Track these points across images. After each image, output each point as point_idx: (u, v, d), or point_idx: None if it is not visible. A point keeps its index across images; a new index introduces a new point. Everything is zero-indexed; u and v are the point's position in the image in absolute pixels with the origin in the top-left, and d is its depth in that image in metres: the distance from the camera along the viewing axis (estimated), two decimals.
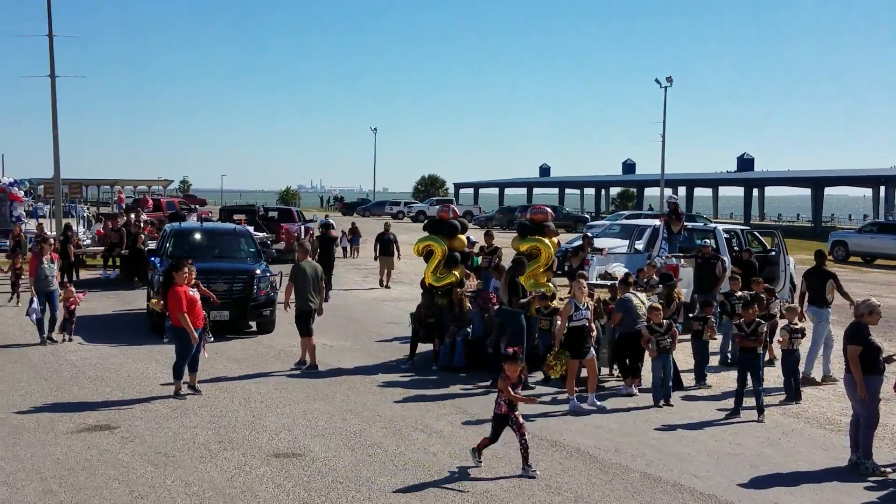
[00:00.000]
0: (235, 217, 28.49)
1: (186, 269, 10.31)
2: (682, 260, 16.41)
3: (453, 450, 8.48)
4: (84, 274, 22.54)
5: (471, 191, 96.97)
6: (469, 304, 12.59)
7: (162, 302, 10.34)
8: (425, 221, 13.51)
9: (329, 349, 13.86)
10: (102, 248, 23.09)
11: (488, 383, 11.37)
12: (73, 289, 14.43)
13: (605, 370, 11.94)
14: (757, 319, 10.50)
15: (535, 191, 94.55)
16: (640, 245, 18.66)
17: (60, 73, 28.10)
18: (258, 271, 14.94)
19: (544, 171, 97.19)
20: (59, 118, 28.53)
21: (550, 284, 12.43)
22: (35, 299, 13.47)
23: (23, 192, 35.33)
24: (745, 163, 71.96)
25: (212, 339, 11.11)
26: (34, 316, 13.40)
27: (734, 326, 11.27)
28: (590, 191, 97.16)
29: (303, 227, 31.73)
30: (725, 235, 18.04)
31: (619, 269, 15.85)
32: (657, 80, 53.19)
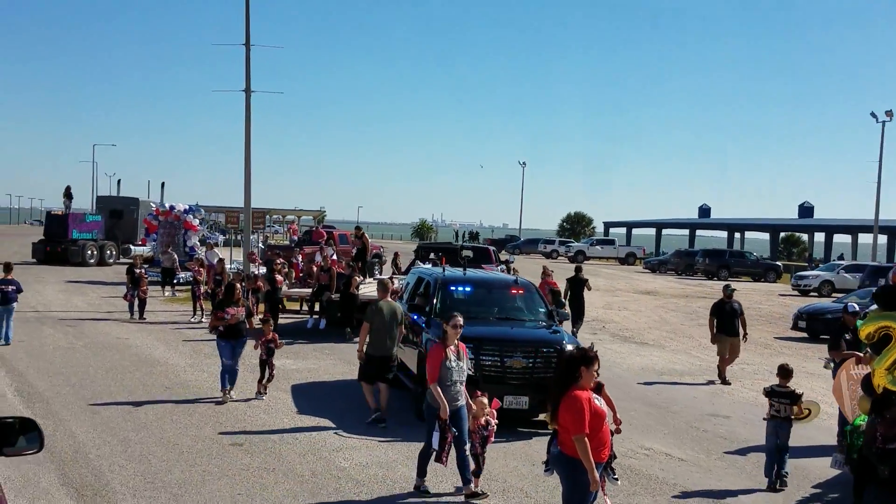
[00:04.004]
0: (431, 256, 25.07)
1: (597, 364, 6.21)
2: None
3: None
4: (283, 318, 19.30)
5: (622, 230, 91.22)
6: None
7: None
8: (877, 290, 8.92)
9: (683, 465, 9.57)
10: (308, 290, 19.73)
11: None
12: (484, 401, 8.28)
13: None
14: None
15: (698, 232, 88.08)
16: None
17: (257, 89, 25.20)
18: (566, 342, 10.84)
19: (704, 211, 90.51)
20: (249, 138, 25.64)
21: None
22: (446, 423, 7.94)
23: (198, 221, 33.04)
24: None
25: (617, 479, 7.00)
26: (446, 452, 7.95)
27: None
28: (751, 234, 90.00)
29: (500, 267, 27.94)
30: None
31: None
32: (873, 114, 46.88)
